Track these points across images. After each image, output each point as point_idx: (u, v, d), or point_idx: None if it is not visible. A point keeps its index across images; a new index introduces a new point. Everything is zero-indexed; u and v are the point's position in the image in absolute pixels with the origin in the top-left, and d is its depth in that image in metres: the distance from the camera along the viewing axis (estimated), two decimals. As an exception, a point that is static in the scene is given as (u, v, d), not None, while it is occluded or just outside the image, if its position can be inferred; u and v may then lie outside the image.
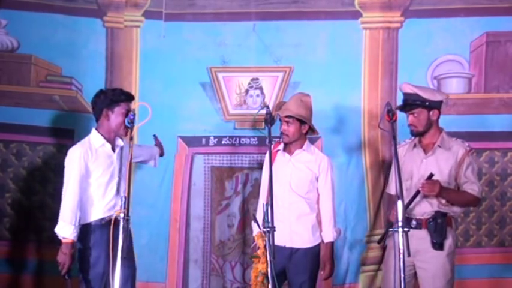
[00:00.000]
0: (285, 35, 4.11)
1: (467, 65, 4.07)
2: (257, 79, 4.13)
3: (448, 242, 3.18)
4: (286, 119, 3.37)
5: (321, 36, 4.10)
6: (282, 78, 4.10)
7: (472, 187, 3.21)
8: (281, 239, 3.13)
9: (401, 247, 2.76)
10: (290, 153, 3.44)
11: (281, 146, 3.47)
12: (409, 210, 3.14)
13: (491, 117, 4.03)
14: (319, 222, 3.41)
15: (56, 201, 3.83)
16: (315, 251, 3.39)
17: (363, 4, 4.09)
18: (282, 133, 3.40)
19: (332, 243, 3.41)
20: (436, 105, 3.25)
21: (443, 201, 3.19)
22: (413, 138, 3.35)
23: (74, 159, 3.13)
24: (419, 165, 3.24)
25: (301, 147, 3.43)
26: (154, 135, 3.72)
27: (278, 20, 4.12)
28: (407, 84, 3.33)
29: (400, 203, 2.80)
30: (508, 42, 4.06)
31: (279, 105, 3.51)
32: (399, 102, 3.46)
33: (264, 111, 3.29)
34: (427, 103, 3.22)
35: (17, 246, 3.89)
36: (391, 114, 3.04)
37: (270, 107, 3.67)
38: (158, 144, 3.73)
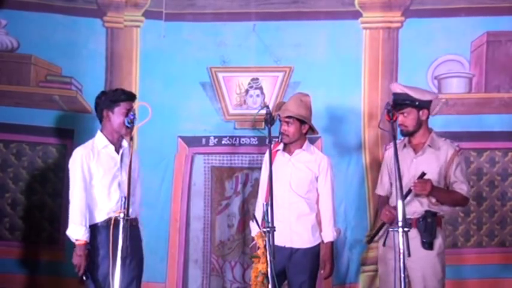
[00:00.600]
0: (285, 35, 4.10)
1: (468, 65, 4.07)
2: (257, 79, 4.12)
3: (438, 242, 3.19)
4: (287, 119, 3.37)
5: (321, 36, 4.10)
6: (282, 78, 4.09)
7: (461, 187, 3.23)
8: (281, 239, 3.13)
9: (401, 247, 2.76)
10: (290, 153, 3.43)
11: (281, 146, 3.47)
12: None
13: (492, 117, 4.02)
14: (319, 222, 3.41)
15: (55, 201, 3.86)
16: (314, 251, 3.39)
17: (363, 4, 4.09)
18: (282, 133, 3.39)
19: (332, 243, 3.41)
20: (425, 105, 3.26)
21: (433, 201, 3.20)
22: (402, 138, 3.36)
23: (76, 161, 3.14)
24: (409, 165, 3.25)
25: (301, 147, 3.43)
26: None
27: (278, 20, 4.11)
28: (397, 84, 3.36)
29: (400, 203, 2.80)
30: (508, 42, 4.05)
31: (279, 106, 3.51)
32: (399, 102, 3.45)
33: (264, 111, 3.29)
34: (417, 103, 3.23)
35: (17, 247, 3.89)
36: (391, 114, 3.05)
37: (270, 107, 3.67)
38: None
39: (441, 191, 3.20)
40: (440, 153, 3.25)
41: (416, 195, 3.17)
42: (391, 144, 3.42)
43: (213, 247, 4.03)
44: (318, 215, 3.41)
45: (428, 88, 4.01)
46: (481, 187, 4.03)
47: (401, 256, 2.76)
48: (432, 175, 3.16)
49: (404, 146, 3.32)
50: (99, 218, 3.12)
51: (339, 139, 4.03)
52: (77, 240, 3.07)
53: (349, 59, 4.08)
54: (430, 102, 3.29)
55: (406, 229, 2.77)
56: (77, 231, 3.07)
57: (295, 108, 3.37)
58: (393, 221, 3.17)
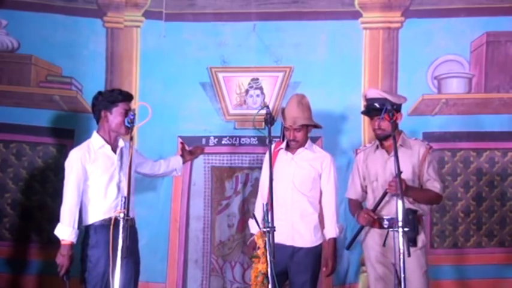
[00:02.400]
0: (285, 35, 4.11)
1: (468, 65, 4.07)
2: (257, 79, 4.13)
3: (421, 237, 3.22)
4: (295, 127, 3.37)
5: (321, 36, 4.11)
6: (282, 78, 4.10)
7: (434, 184, 3.27)
8: (283, 238, 3.15)
9: (401, 247, 2.77)
10: (292, 151, 3.44)
11: (283, 145, 3.48)
12: (378, 211, 3.19)
13: (492, 117, 4.03)
14: (321, 222, 3.41)
15: (55, 201, 3.85)
16: (316, 250, 3.40)
17: (363, 4, 4.10)
18: (291, 140, 3.38)
19: (335, 240, 3.42)
20: (399, 108, 3.32)
21: (410, 199, 3.21)
22: (373, 142, 3.41)
23: (72, 161, 3.15)
24: (384, 166, 3.28)
25: (303, 145, 3.44)
26: (182, 144, 3.76)
27: (278, 20, 4.12)
28: (374, 90, 3.42)
29: (400, 203, 2.81)
30: (508, 42, 4.07)
31: (282, 112, 3.48)
32: (399, 102, 3.45)
33: (264, 111, 3.28)
34: (395, 106, 3.26)
35: (16, 246, 3.89)
36: (391, 114, 3.07)
37: (270, 107, 3.67)
38: (184, 151, 3.73)
39: (415, 190, 3.23)
40: (413, 152, 3.29)
41: (393, 195, 3.17)
42: (362, 148, 3.52)
43: (213, 247, 4.04)
44: (320, 215, 3.42)
45: (428, 88, 4.02)
46: (480, 187, 4.04)
47: (401, 256, 2.77)
48: (406, 174, 3.19)
49: (377, 147, 3.37)
50: (96, 217, 3.13)
51: (339, 139, 4.04)
52: (62, 240, 3.08)
53: (349, 59, 4.09)
54: (401, 105, 3.35)
55: (406, 229, 2.78)
56: (63, 232, 3.08)
57: (301, 114, 3.37)
58: (372, 224, 3.22)
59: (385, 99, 3.25)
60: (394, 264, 3.07)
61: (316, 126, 3.47)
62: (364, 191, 3.42)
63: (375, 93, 3.34)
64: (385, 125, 3.24)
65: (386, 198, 3.19)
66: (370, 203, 3.35)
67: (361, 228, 3.29)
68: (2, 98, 3.92)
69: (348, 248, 3.39)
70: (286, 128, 3.42)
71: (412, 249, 3.10)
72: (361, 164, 3.43)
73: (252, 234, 3.50)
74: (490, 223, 4.02)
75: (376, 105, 3.25)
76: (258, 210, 3.42)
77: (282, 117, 3.46)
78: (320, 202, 3.44)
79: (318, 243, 3.40)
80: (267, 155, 3.41)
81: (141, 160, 3.47)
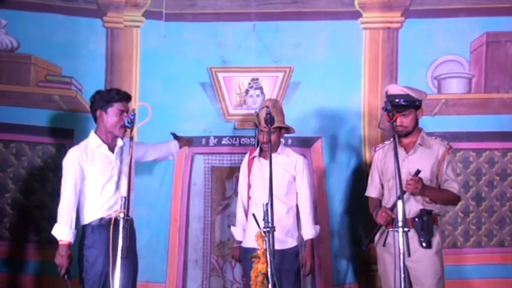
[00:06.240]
0: (285, 35, 4.11)
1: (468, 65, 4.07)
2: (257, 79, 4.13)
3: (436, 240, 3.20)
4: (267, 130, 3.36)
5: (321, 36, 4.11)
6: (282, 78, 4.10)
7: (453, 185, 3.25)
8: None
9: (401, 247, 2.76)
10: (266, 157, 3.41)
11: (256, 152, 3.52)
12: (394, 210, 3.15)
13: (491, 117, 4.03)
14: (297, 225, 3.45)
15: (55, 201, 3.84)
16: (293, 251, 3.42)
17: (363, 4, 4.10)
18: (264, 143, 3.38)
19: (312, 241, 3.46)
20: (421, 104, 3.30)
21: (427, 199, 3.20)
22: (391, 139, 3.34)
23: (69, 161, 3.16)
24: (401, 164, 3.23)
25: (276, 151, 3.45)
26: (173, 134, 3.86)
27: (278, 20, 4.12)
28: (395, 86, 3.38)
29: (400, 203, 2.81)
30: (508, 42, 4.07)
31: (257, 116, 3.48)
32: (399, 102, 3.45)
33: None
34: (417, 103, 3.25)
35: (16, 246, 3.88)
36: (391, 115, 3.06)
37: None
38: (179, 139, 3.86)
39: (433, 190, 3.22)
40: (432, 152, 3.28)
41: (412, 194, 3.17)
42: (380, 145, 3.49)
43: (213, 247, 4.04)
44: (295, 219, 3.45)
45: (428, 88, 4.02)
46: (480, 187, 4.04)
47: (401, 256, 2.76)
48: (424, 173, 3.18)
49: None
50: (93, 217, 3.14)
51: (339, 139, 4.04)
52: (60, 240, 3.09)
53: (349, 59, 4.08)
54: (422, 101, 3.32)
55: (406, 229, 2.78)
56: (61, 232, 3.09)
57: (275, 117, 3.34)
58: (389, 223, 3.19)
59: (408, 95, 3.23)
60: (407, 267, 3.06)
61: (288, 130, 3.48)
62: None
63: (397, 89, 3.29)
64: (408, 121, 3.24)
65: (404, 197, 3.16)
66: (385, 202, 3.32)
67: (379, 227, 3.27)
68: (1, 97, 3.91)
69: (366, 247, 3.38)
70: (260, 131, 3.42)
71: (427, 253, 3.14)
72: (380, 162, 3.41)
73: (239, 242, 3.55)
74: (489, 223, 4.03)
75: (397, 101, 3.21)
76: (240, 218, 3.54)
77: (257, 120, 3.45)
78: (296, 206, 3.47)
79: (295, 244, 3.43)
80: (244, 162, 3.54)
81: (142, 151, 3.52)
